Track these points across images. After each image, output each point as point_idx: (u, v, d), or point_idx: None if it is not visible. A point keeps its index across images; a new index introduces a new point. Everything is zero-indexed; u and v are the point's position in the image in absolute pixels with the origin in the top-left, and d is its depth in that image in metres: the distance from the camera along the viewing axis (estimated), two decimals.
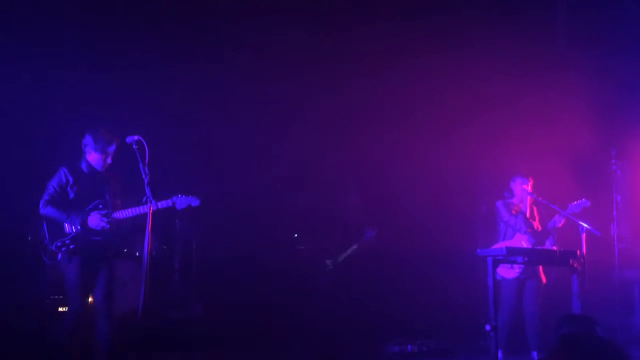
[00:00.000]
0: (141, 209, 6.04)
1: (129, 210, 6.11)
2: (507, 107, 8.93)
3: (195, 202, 6.26)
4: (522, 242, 7.53)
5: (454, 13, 9.03)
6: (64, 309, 7.54)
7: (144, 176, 5.72)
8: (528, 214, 7.74)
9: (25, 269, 7.79)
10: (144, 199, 5.81)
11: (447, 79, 8.95)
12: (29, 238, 7.83)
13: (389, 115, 9.08)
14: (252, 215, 8.96)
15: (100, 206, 6.14)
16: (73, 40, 7.99)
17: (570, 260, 6.94)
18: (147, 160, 5.69)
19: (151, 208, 5.75)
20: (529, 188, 7.69)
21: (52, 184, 6.15)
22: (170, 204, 6.16)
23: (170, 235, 8.81)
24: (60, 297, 7.61)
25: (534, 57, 9.18)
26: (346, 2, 8.92)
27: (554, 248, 7.32)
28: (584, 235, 7.15)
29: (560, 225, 7.54)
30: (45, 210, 6.10)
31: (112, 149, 6.18)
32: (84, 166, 6.22)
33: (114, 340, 6.01)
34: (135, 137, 5.82)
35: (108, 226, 6.09)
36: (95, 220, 6.08)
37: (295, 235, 9.51)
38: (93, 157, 6.20)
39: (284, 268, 9.07)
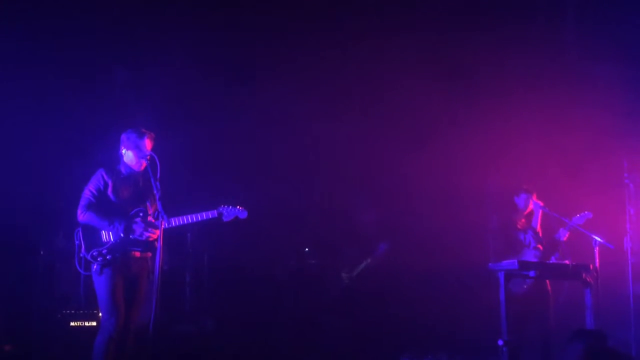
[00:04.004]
0: (197, 216, 5.84)
1: (182, 217, 5.84)
2: (518, 121, 8.92)
3: (242, 214, 6.07)
4: (529, 257, 7.48)
5: (463, 30, 9.02)
6: (76, 323, 7.56)
7: (155, 192, 5.54)
8: (537, 228, 7.70)
9: (37, 283, 7.81)
10: (156, 214, 5.61)
11: (458, 95, 8.95)
12: (42, 252, 7.86)
13: (400, 131, 9.08)
14: (264, 230, 8.95)
15: (141, 214, 5.82)
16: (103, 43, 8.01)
17: (583, 274, 6.92)
18: (158, 176, 5.57)
19: (162, 224, 5.48)
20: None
21: (90, 188, 5.77)
22: (216, 215, 5.94)
23: (181, 250, 8.81)
24: (72, 311, 7.62)
25: (544, 70, 9.18)
26: (372, 18, 8.92)
27: (566, 262, 7.27)
28: (597, 249, 7.12)
29: (564, 239, 7.50)
30: (85, 216, 5.69)
31: (143, 142, 5.85)
32: (122, 169, 5.90)
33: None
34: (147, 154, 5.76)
35: (153, 235, 5.77)
36: (139, 229, 5.76)
37: (307, 249, 9.50)
38: (128, 157, 5.90)
39: (296, 282, 9.06)
